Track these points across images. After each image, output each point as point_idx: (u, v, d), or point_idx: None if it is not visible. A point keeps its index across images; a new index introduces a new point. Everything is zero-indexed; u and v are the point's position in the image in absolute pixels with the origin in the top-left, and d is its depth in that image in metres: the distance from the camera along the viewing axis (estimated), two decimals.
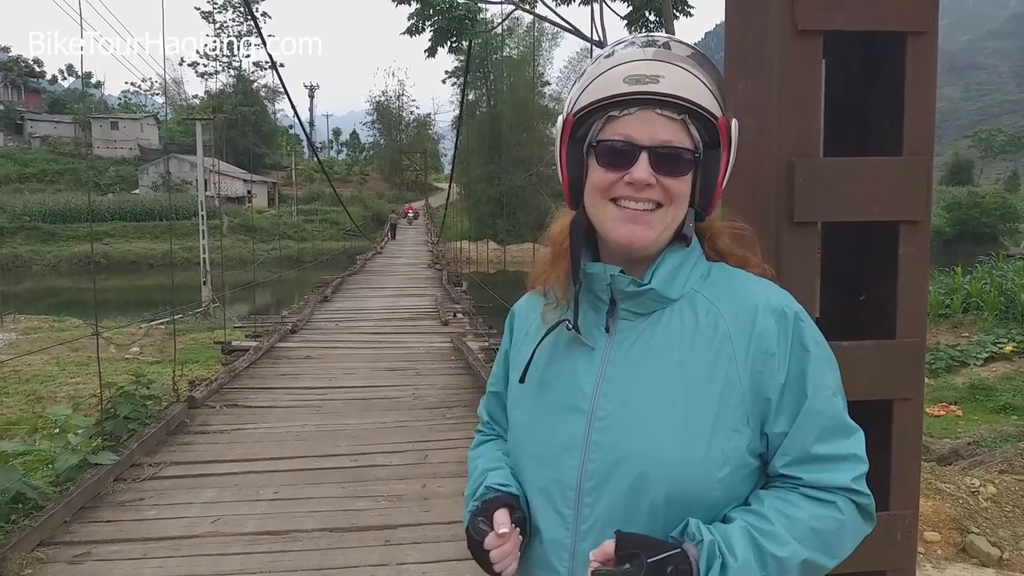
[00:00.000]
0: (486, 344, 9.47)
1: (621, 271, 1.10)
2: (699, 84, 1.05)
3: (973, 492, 4.28)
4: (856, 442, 1.08)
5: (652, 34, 1.13)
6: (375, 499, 4.41)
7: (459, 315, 12.87)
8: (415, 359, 8.91)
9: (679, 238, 1.13)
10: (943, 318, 13.03)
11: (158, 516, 4.17)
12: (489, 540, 1.09)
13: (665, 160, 1.06)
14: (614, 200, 1.09)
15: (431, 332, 11.10)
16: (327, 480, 4.74)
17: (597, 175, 1.09)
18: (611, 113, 1.07)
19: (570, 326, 1.14)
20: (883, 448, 1.49)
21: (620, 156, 1.06)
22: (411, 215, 51.77)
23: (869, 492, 1.07)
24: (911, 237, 1.48)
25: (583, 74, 1.13)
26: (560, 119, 1.14)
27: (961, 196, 50.22)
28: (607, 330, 1.13)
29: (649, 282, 1.10)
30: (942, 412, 8.64)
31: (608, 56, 1.10)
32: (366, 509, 4.27)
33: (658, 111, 1.05)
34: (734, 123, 1.10)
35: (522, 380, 1.18)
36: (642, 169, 1.05)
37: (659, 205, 1.08)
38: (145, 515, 4.18)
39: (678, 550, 0.99)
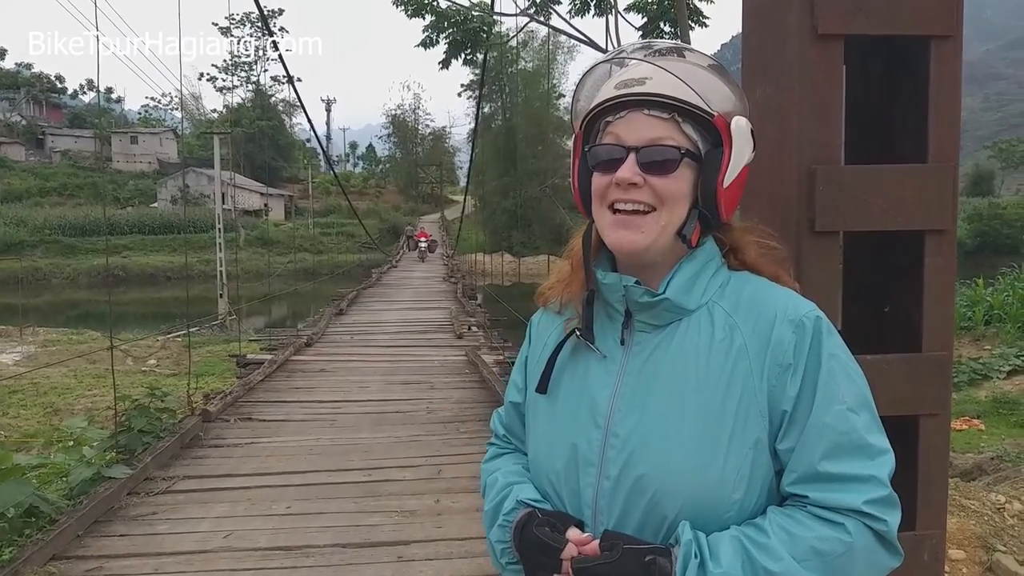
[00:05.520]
0: (501, 357, 9.42)
1: (636, 281, 1.08)
2: (684, 84, 1.04)
3: (999, 509, 4.17)
4: (879, 464, 1.01)
5: (650, 40, 1.16)
6: (388, 514, 4.37)
7: (474, 328, 12.83)
8: (429, 373, 8.88)
9: (689, 244, 1.09)
10: (965, 331, 12.85)
11: (171, 531, 4.14)
12: (572, 550, 1.03)
13: (651, 159, 1.04)
14: (611, 206, 1.08)
15: (445, 345, 11.07)
16: (340, 495, 4.71)
17: (595, 180, 1.10)
18: (607, 119, 1.08)
19: (579, 333, 1.13)
20: (909, 466, 1.44)
21: (610, 158, 1.07)
22: (423, 244, 35.10)
23: (888, 519, 0.99)
24: (937, 247, 1.44)
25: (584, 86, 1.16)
26: (574, 134, 1.16)
27: (982, 207, 49.87)
28: (622, 342, 1.10)
29: (664, 292, 1.07)
30: (965, 426, 8.49)
31: (603, 63, 1.13)
32: (379, 524, 4.22)
33: (646, 112, 1.05)
34: (737, 120, 1.06)
35: (540, 390, 1.16)
36: (627, 168, 1.04)
37: (652, 208, 1.06)
38: (158, 529, 4.16)
39: (662, 546, 0.99)
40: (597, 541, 1.02)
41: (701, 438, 1.01)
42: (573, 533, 1.05)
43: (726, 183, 1.06)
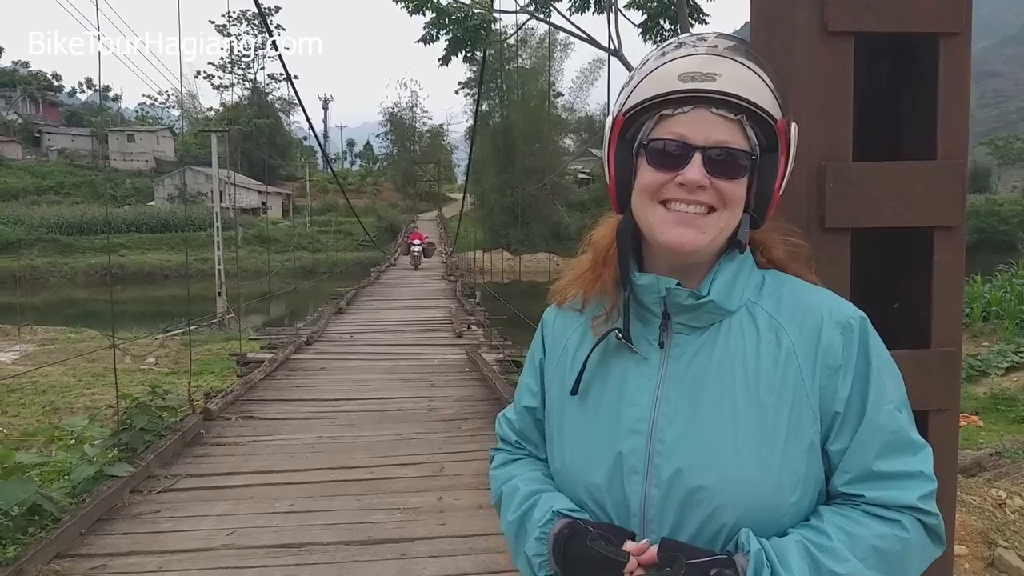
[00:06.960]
0: (501, 356, 9.44)
1: (678, 284, 1.05)
2: (759, 83, 1.00)
3: (1000, 504, 4.19)
4: (923, 459, 1.02)
5: (703, 32, 1.08)
6: (391, 512, 4.38)
7: (473, 327, 12.84)
8: (430, 371, 8.89)
9: (733, 245, 1.08)
10: (963, 327, 12.87)
11: (174, 528, 4.15)
12: (634, 565, 0.99)
13: (720, 162, 1.00)
14: (663, 202, 1.03)
15: (445, 344, 11.09)
16: (343, 492, 4.72)
17: (647, 176, 1.04)
18: (664, 111, 1.02)
19: (620, 335, 1.08)
20: None
21: (672, 156, 1.01)
22: (416, 249, 29.16)
23: (938, 512, 1.02)
24: (946, 243, 1.45)
25: (634, 74, 1.08)
26: (609, 120, 1.10)
27: (979, 204, 49.79)
28: (661, 345, 1.07)
29: (708, 294, 1.05)
30: (963, 422, 8.51)
31: (660, 55, 1.05)
32: (382, 522, 4.23)
33: (713, 110, 1.00)
34: (793, 127, 1.05)
35: (574, 392, 1.11)
36: (695, 170, 1.00)
37: (712, 209, 1.02)
38: (161, 528, 4.17)
39: (724, 556, 0.96)
40: (655, 548, 0.98)
41: (759, 443, 1.00)
42: (631, 545, 1.00)
43: (781, 190, 1.06)
